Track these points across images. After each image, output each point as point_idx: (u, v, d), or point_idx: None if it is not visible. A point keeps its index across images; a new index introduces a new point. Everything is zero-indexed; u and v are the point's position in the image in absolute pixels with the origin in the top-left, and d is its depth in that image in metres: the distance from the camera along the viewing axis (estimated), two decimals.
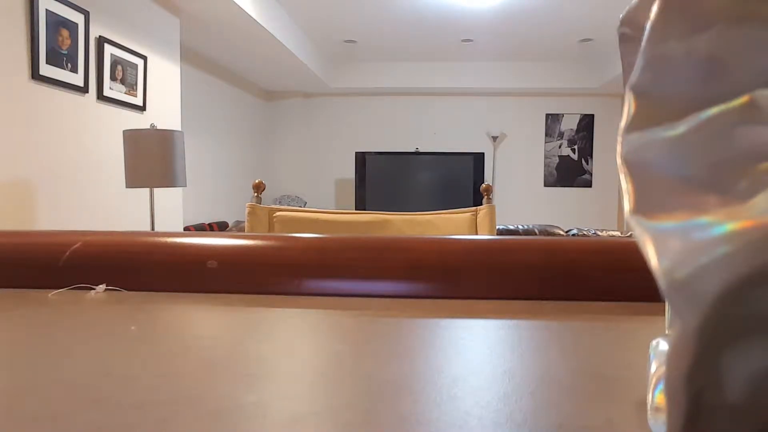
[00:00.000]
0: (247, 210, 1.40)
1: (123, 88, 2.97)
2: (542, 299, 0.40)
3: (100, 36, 2.77)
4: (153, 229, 2.64)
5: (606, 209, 6.49)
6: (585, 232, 3.17)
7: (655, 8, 0.14)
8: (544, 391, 0.22)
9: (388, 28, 4.83)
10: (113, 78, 2.88)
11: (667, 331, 0.18)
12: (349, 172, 6.63)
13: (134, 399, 0.21)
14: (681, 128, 0.13)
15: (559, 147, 6.59)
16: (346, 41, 5.28)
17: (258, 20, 3.78)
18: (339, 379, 0.24)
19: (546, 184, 6.62)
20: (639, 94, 0.14)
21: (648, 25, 0.14)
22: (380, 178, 6.31)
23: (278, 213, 1.41)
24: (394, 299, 0.40)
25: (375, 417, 0.20)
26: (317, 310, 0.38)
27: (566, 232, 3.16)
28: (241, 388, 0.23)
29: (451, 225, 1.39)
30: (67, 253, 0.42)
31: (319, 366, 0.26)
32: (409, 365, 0.26)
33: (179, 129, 3.49)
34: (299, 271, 0.42)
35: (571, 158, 6.57)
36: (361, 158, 6.33)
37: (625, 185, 0.14)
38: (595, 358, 0.28)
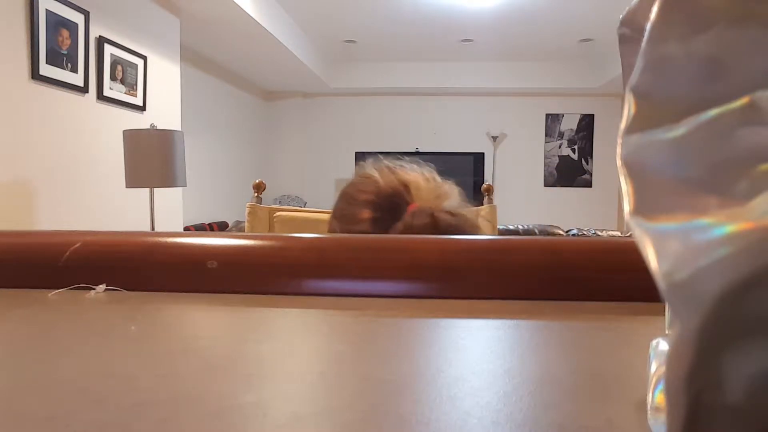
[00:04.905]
0: (247, 210, 1.40)
1: (123, 88, 2.97)
2: (542, 299, 0.40)
3: (100, 36, 2.76)
4: (153, 229, 2.64)
5: (606, 209, 6.49)
6: (585, 232, 3.17)
7: (655, 9, 0.14)
8: (544, 391, 0.22)
9: (388, 28, 4.83)
10: (113, 78, 2.88)
11: (667, 331, 0.18)
12: (349, 172, 6.58)
13: (134, 399, 0.21)
14: (681, 129, 0.13)
15: (559, 147, 6.58)
16: (346, 41, 5.28)
17: (258, 20, 3.78)
18: (339, 379, 0.24)
19: (546, 184, 6.62)
20: (639, 95, 0.14)
21: (648, 26, 0.14)
22: None
23: (278, 213, 1.41)
24: (394, 299, 0.40)
25: (375, 417, 0.20)
26: (317, 310, 0.38)
27: (566, 232, 3.16)
28: (241, 388, 0.23)
29: None
30: (67, 253, 0.42)
31: (319, 366, 0.26)
32: (409, 365, 0.26)
33: (179, 129, 3.49)
34: (299, 271, 0.42)
35: (571, 158, 6.57)
36: (361, 158, 6.32)
37: (625, 187, 0.14)
38: (595, 358, 0.29)
